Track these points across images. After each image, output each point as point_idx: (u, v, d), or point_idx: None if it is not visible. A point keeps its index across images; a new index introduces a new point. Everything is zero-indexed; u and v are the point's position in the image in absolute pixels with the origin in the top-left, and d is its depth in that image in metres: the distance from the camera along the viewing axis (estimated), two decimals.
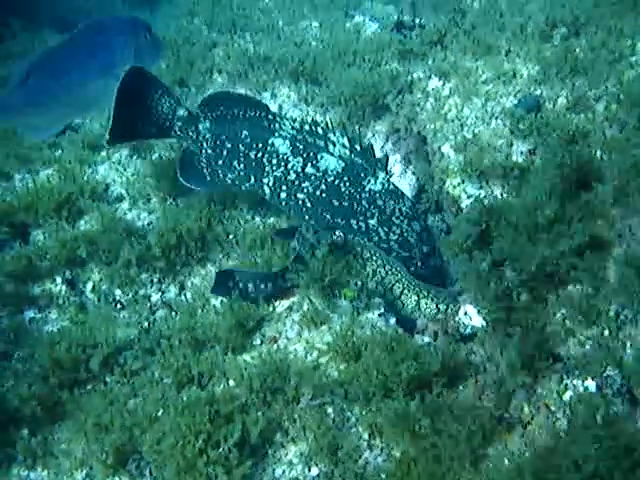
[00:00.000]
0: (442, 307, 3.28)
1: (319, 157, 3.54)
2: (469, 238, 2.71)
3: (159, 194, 4.16)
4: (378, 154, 4.21)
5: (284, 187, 3.65)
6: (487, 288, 2.61)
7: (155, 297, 3.69)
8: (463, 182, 3.38)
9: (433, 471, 2.46)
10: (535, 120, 3.28)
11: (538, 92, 3.52)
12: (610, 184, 2.47)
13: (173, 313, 3.59)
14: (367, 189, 3.47)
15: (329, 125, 3.54)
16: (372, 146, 3.53)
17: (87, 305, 3.64)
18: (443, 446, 2.49)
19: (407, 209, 3.46)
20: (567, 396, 2.41)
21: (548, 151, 2.89)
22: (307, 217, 3.64)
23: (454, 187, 3.39)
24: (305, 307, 3.30)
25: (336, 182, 3.52)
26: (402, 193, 3.52)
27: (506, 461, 2.37)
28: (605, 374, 2.35)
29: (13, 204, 3.99)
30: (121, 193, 4.22)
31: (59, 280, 3.71)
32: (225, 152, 3.76)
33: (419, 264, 3.51)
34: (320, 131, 3.55)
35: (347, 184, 3.49)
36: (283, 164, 3.61)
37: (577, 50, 3.54)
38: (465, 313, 3.08)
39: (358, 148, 3.49)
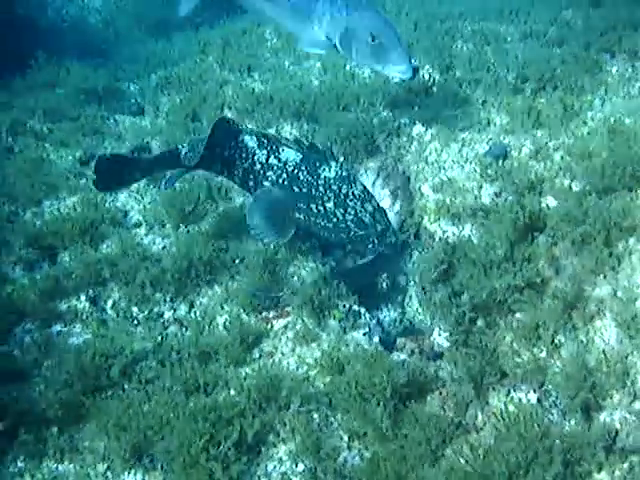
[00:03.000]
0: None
1: (280, 150, 4.03)
2: (435, 270, 3.18)
3: (172, 221, 4.64)
4: (369, 187, 4.74)
5: (251, 176, 4.13)
6: (449, 315, 3.08)
7: (167, 314, 4.14)
8: (438, 219, 3.85)
9: (399, 469, 2.92)
10: (501, 167, 3.75)
11: (507, 141, 3.99)
12: (551, 229, 2.94)
13: (183, 329, 4.03)
14: (322, 176, 3.95)
15: (276, 136, 4.10)
16: (313, 144, 4.04)
17: (107, 320, 4.06)
18: (408, 448, 2.96)
19: (359, 192, 3.94)
20: (512, 407, 2.86)
21: (507, 198, 3.37)
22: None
23: (431, 223, 3.87)
24: (298, 326, 3.78)
25: (295, 171, 4.00)
26: (354, 178, 4.00)
27: (460, 461, 2.82)
28: (543, 388, 2.81)
29: (42, 229, 4.48)
30: (139, 220, 4.68)
31: (83, 298, 4.15)
32: (205, 158, 4.12)
33: (375, 241, 3.98)
34: (272, 138, 4.08)
35: (305, 172, 3.98)
36: (251, 156, 4.09)
37: (540, 105, 4.01)
38: (439, 334, 3.55)
39: (304, 146, 3.99)
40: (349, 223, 3.93)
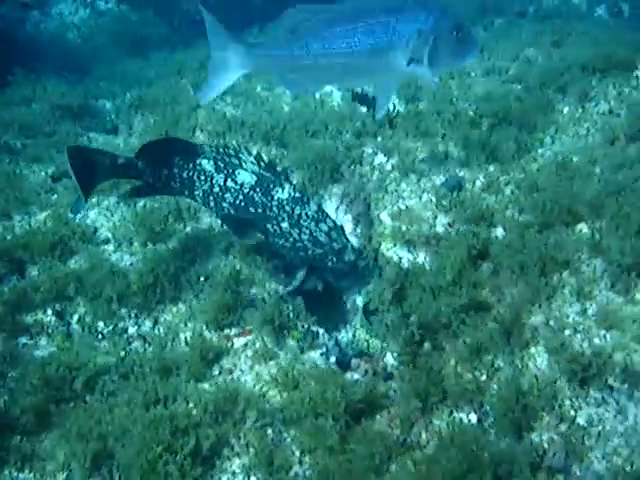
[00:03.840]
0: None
1: (236, 173, 4.21)
2: (387, 293, 3.37)
3: (140, 238, 4.77)
4: (332, 213, 4.92)
5: (211, 198, 4.33)
6: (398, 336, 3.26)
7: (132, 330, 4.25)
8: (395, 246, 4.04)
9: None
10: (455, 198, 3.95)
11: (462, 174, 4.20)
12: (495, 259, 3.14)
13: (146, 344, 4.17)
14: (276, 198, 4.15)
15: (237, 147, 4.27)
16: (272, 161, 4.27)
17: (73, 334, 4.18)
18: (355, 462, 3.12)
19: (313, 213, 4.15)
20: (453, 426, 3.03)
21: (460, 227, 3.56)
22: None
23: (387, 249, 4.05)
24: (258, 345, 3.94)
25: (250, 193, 4.20)
26: (308, 199, 4.22)
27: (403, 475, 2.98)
28: (483, 409, 2.99)
29: (12, 242, 4.60)
30: (107, 236, 4.81)
31: (50, 311, 4.24)
32: (164, 177, 4.36)
33: (334, 259, 4.18)
34: (232, 152, 4.25)
35: (259, 194, 4.18)
36: (209, 179, 4.28)
37: (495, 140, 4.23)
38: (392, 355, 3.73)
39: (262, 164, 4.19)
40: (306, 242, 4.13)
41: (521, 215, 3.51)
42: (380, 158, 4.62)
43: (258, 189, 4.20)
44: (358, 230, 4.60)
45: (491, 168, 4.12)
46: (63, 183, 5.33)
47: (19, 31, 9.44)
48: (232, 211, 4.27)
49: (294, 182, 4.26)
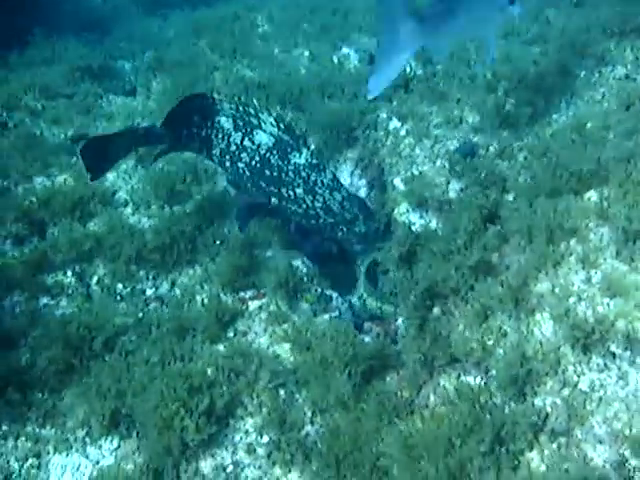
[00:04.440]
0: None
1: (254, 133, 4.22)
2: (397, 257, 3.43)
3: (158, 201, 4.84)
4: (347, 177, 4.96)
5: (227, 157, 4.33)
6: (407, 301, 3.32)
7: (149, 292, 4.36)
8: (407, 211, 4.07)
9: (355, 439, 3.17)
10: (469, 164, 3.96)
11: (476, 139, 4.20)
12: (504, 225, 3.18)
13: (164, 306, 4.27)
14: (292, 162, 4.16)
15: (257, 107, 4.24)
16: (290, 124, 4.22)
17: (92, 295, 4.30)
18: (365, 420, 3.22)
19: (328, 181, 4.16)
20: (460, 389, 3.09)
21: (472, 193, 3.59)
22: (248, 184, 4.35)
23: (400, 214, 4.09)
24: (272, 307, 4.02)
25: (267, 155, 4.20)
26: (324, 167, 4.21)
27: (410, 435, 3.06)
28: (489, 373, 3.04)
29: (33, 204, 4.70)
30: (126, 199, 4.89)
31: (70, 273, 4.36)
32: (183, 138, 4.39)
33: (344, 229, 4.22)
34: (252, 111, 4.23)
35: (276, 157, 4.18)
36: (226, 137, 4.29)
37: (510, 105, 4.22)
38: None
39: (282, 126, 4.17)
40: (318, 210, 4.15)
41: (532, 181, 3.51)
42: (394, 123, 4.62)
43: (275, 151, 4.19)
44: (372, 195, 4.64)
45: (505, 133, 4.12)
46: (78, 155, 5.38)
47: None
48: (247, 172, 4.27)
49: (312, 147, 4.26)
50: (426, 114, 4.53)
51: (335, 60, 6.00)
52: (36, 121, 5.71)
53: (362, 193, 4.81)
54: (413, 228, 3.85)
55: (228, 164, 4.34)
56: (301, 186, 4.15)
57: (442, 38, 3.65)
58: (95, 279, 4.38)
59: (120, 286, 4.36)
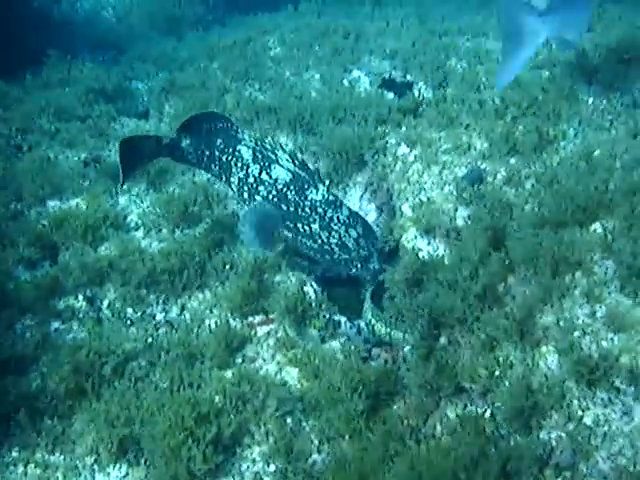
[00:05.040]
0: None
1: (272, 167, 4.28)
2: (404, 285, 3.45)
3: (169, 225, 4.88)
4: (356, 201, 4.98)
5: (246, 187, 4.39)
6: (414, 330, 3.34)
7: (159, 316, 4.39)
8: (415, 237, 4.10)
9: (361, 469, 3.17)
10: (476, 191, 3.98)
11: (484, 166, 4.22)
12: (510, 256, 3.18)
13: (173, 331, 4.29)
14: (309, 198, 4.20)
15: (272, 142, 4.34)
16: (305, 161, 4.29)
17: (103, 320, 4.32)
18: (372, 450, 3.22)
19: (344, 218, 4.18)
20: (466, 419, 3.10)
21: (479, 221, 3.60)
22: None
23: (408, 241, 4.11)
24: (280, 333, 4.04)
25: (284, 190, 4.26)
26: (341, 203, 4.24)
27: (416, 467, 3.07)
28: (496, 404, 3.05)
29: (46, 228, 4.75)
30: (137, 223, 4.93)
31: (81, 297, 4.39)
32: (205, 159, 4.52)
33: (358, 266, 4.23)
34: (269, 146, 4.30)
35: (293, 192, 4.23)
36: (245, 168, 4.34)
37: (518, 131, 4.24)
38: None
39: (297, 162, 4.21)
40: (333, 246, 4.17)
41: (539, 210, 3.52)
42: (403, 149, 4.66)
43: (292, 187, 4.24)
44: (381, 219, 4.66)
45: (513, 160, 4.13)
46: (95, 169, 5.45)
47: (54, 10, 9.53)
48: None
49: (327, 183, 4.30)
50: (435, 140, 4.56)
51: (346, 83, 6.04)
52: (50, 144, 5.79)
53: (371, 218, 4.83)
54: (420, 254, 3.86)
55: (246, 195, 4.41)
56: (317, 222, 4.19)
57: (564, 30, 3.90)
58: (106, 303, 4.42)
59: (130, 310, 4.40)
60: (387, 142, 4.84)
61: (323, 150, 5.14)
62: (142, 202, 5.10)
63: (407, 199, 4.35)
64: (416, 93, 5.45)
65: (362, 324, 4.36)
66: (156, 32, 9.40)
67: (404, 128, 4.82)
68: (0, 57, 6.24)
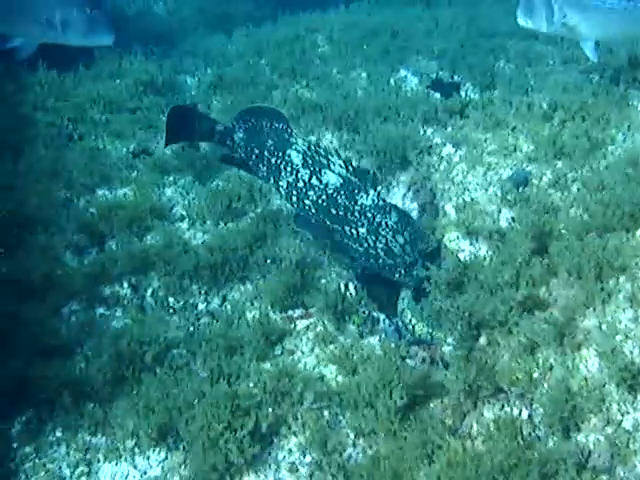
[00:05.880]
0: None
1: (322, 172, 4.30)
2: (446, 289, 3.45)
3: (213, 218, 4.95)
4: (399, 200, 4.99)
5: (294, 192, 4.42)
6: (454, 330, 3.34)
7: (201, 306, 4.45)
8: (458, 238, 4.09)
9: (396, 467, 3.20)
10: (521, 193, 3.97)
11: (529, 168, 4.20)
12: (554, 259, 3.17)
13: (214, 321, 4.36)
14: (359, 203, 4.21)
15: (327, 149, 4.36)
16: (359, 166, 4.33)
17: (146, 308, 4.42)
18: (407, 449, 3.23)
19: (393, 223, 4.17)
20: (503, 420, 3.10)
21: (523, 224, 3.60)
22: (313, 220, 4.43)
23: (450, 241, 4.11)
24: (319, 328, 4.08)
25: (334, 195, 4.27)
26: (390, 209, 4.23)
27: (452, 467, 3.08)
28: (534, 406, 3.04)
29: (94, 216, 4.86)
30: (182, 214, 5.01)
31: (125, 284, 4.49)
32: (254, 156, 4.55)
33: (402, 272, 4.21)
34: (322, 152, 4.32)
35: (343, 197, 4.24)
36: (294, 172, 4.38)
37: (566, 135, 4.21)
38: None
39: (350, 168, 4.23)
40: (379, 250, 4.16)
41: (585, 215, 3.50)
42: (448, 149, 4.66)
43: (342, 192, 4.26)
44: (423, 219, 4.66)
45: (559, 164, 4.11)
46: (143, 160, 5.55)
47: (107, 4, 9.68)
48: (313, 209, 4.36)
49: (378, 189, 4.31)
50: (480, 141, 4.56)
51: (392, 82, 6.05)
52: (100, 134, 5.90)
53: (413, 216, 4.83)
54: (462, 255, 3.86)
55: (295, 199, 4.45)
56: (365, 226, 4.19)
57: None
58: (149, 292, 4.50)
59: (173, 300, 4.47)
60: (432, 142, 4.84)
61: (367, 148, 5.16)
62: (188, 194, 5.18)
63: (450, 199, 4.35)
64: (463, 94, 5.44)
65: (400, 322, 4.38)
66: (206, 27, 9.47)
67: (450, 128, 4.82)
68: (54, 49, 6.35)
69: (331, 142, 5.46)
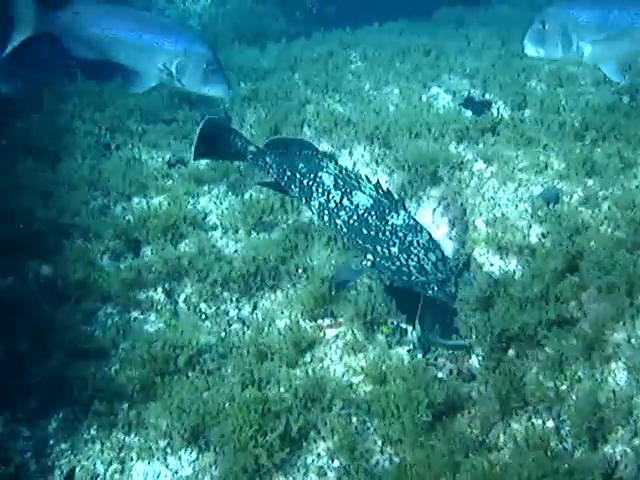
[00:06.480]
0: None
1: (353, 193, 4.38)
2: (476, 302, 3.51)
3: (246, 227, 5.05)
4: (429, 215, 5.06)
5: (326, 212, 4.50)
6: (484, 342, 3.40)
7: (232, 313, 4.54)
8: (488, 252, 4.16)
9: (423, 474, 3.25)
10: (552, 210, 4.02)
11: (560, 186, 4.26)
12: (583, 274, 3.23)
13: (245, 328, 4.43)
14: (390, 223, 4.26)
15: (359, 174, 4.45)
16: (389, 190, 4.33)
17: (179, 313, 4.53)
18: (434, 457, 3.29)
19: (424, 242, 4.20)
20: (531, 431, 3.14)
21: (553, 240, 3.65)
22: (345, 239, 4.53)
23: (480, 255, 4.17)
24: (348, 337, 4.15)
25: (365, 215, 4.33)
26: (421, 228, 4.27)
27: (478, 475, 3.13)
28: (561, 418, 3.09)
29: (130, 223, 4.99)
30: (216, 223, 5.12)
31: (160, 290, 4.59)
32: (286, 178, 4.66)
33: (435, 288, 4.24)
34: (353, 176, 4.42)
35: (374, 217, 4.29)
36: (326, 193, 4.48)
37: (597, 154, 4.26)
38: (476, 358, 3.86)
39: (381, 191, 4.30)
40: (411, 268, 4.20)
41: (615, 232, 3.56)
42: (480, 165, 4.73)
43: (373, 212, 4.33)
44: (453, 233, 4.73)
45: (590, 182, 4.16)
46: (178, 170, 5.68)
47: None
48: (345, 229, 4.44)
49: (409, 209, 4.38)
50: (512, 158, 4.62)
51: (424, 99, 6.13)
52: (136, 144, 6.05)
53: (443, 231, 4.90)
54: (492, 269, 3.92)
55: (326, 218, 4.53)
56: (397, 245, 4.23)
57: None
58: (182, 297, 4.61)
59: (205, 306, 4.57)
60: (463, 158, 4.91)
61: (399, 163, 5.24)
62: (221, 203, 5.29)
63: (481, 214, 4.41)
64: (494, 112, 5.51)
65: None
66: (240, 42, 9.61)
67: (481, 145, 4.89)
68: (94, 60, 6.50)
69: (362, 156, 5.55)
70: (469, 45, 7.18)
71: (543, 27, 4.56)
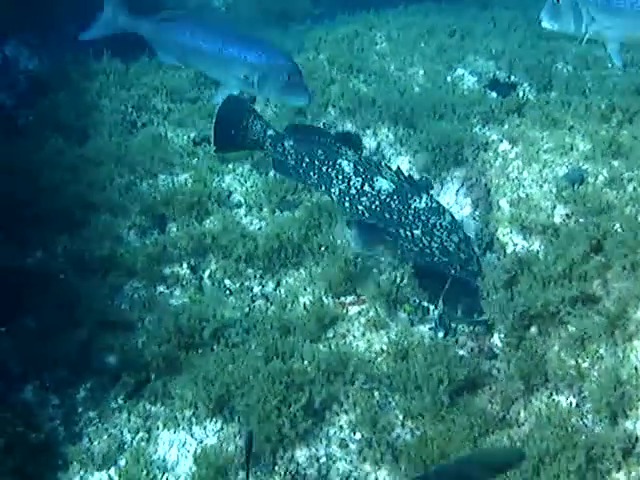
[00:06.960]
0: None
1: (375, 179, 4.41)
2: (500, 280, 3.54)
3: (270, 205, 5.10)
4: (453, 195, 5.07)
5: (347, 198, 4.53)
6: (506, 319, 3.44)
7: (256, 289, 4.59)
8: (511, 232, 4.18)
9: (444, 448, 3.30)
10: (576, 191, 4.04)
11: (585, 167, 4.26)
12: (607, 254, 3.25)
13: (269, 304, 4.48)
14: (413, 207, 4.29)
15: (380, 162, 4.52)
16: (411, 176, 4.37)
17: (204, 288, 4.59)
18: (455, 432, 3.34)
19: (447, 224, 4.24)
20: (551, 407, 3.18)
21: (577, 220, 3.67)
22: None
23: (503, 235, 4.19)
24: (371, 314, 4.20)
25: (387, 200, 4.36)
26: (444, 210, 4.31)
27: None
28: (582, 395, 3.12)
29: (156, 200, 5.05)
30: (240, 201, 5.17)
31: (185, 265, 4.65)
32: (304, 164, 4.68)
33: (458, 268, 4.28)
34: (373, 163, 4.45)
35: (396, 202, 4.32)
36: (346, 180, 4.50)
37: (623, 136, 4.26)
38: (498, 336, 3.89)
39: (402, 177, 4.33)
40: (434, 250, 4.24)
41: (639, 214, 3.57)
42: (505, 146, 4.74)
43: (396, 197, 4.36)
44: (476, 213, 4.74)
45: (615, 164, 4.17)
46: (204, 148, 5.73)
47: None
48: (367, 214, 4.48)
49: (431, 192, 4.40)
50: (537, 139, 4.62)
51: (449, 80, 6.12)
52: (162, 122, 6.10)
53: (466, 211, 4.92)
54: (515, 249, 3.94)
55: (347, 205, 4.56)
56: (420, 228, 4.26)
57: None
58: (207, 273, 4.67)
59: (229, 282, 4.63)
60: (488, 138, 4.92)
61: (423, 144, 5.25)
62: (246, 181, 5.33)
63: (505, 194, 4.43)
64: (520, 94, 5.50)
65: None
66: (263, 23, 9.62)
67: (506, 126, 4.90)
68: (120, 38, 6.55)
69: (387, 136, 5.56)
70: (495, 26, 7.15)
71: (558, 1, 4.56)
